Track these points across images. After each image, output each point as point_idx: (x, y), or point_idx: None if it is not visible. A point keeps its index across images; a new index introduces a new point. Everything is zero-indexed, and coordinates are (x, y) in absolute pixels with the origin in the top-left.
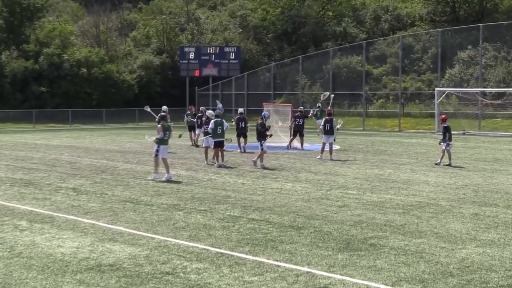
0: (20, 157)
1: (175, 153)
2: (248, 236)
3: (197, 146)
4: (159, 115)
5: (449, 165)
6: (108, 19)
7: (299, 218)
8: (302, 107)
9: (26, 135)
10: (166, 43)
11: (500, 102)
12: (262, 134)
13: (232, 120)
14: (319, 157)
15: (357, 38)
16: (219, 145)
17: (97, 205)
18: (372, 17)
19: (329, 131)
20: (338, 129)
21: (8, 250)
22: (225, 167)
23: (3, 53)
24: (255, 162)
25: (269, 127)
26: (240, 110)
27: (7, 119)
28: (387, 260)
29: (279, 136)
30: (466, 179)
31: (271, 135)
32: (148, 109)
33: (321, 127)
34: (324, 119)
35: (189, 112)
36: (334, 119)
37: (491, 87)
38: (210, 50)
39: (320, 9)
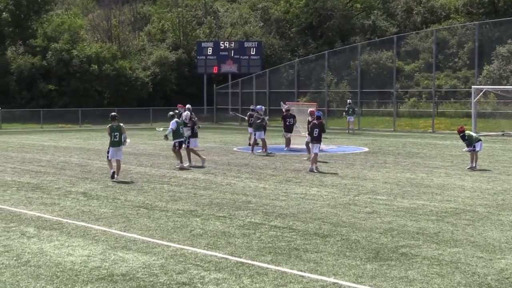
0: (27, 160)
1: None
2: (270, 245)
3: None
4: (111, 114)
5: (472, 168)
6: (121, 12)
7: (325, 225)
8: (287, 105)
9: (33, 136)
10: (182, 38)
11: None
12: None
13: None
14: (305, 158)
15: (388, 32)
16: (181, 146)
17: (109, 210)
18: (404, 9)
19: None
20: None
21: (14, 258)
22: (187, 168)
23: (9, 49)
24: (316, 167)
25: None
26: (259, 107)
27: (13, 119)
28: (420, 271)
29: (304, 138)
30: (506, 184)
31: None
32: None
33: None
34: (312, 123)
35: (177, 111)
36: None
37: None
38: (229, 45)
39: (348, 0)
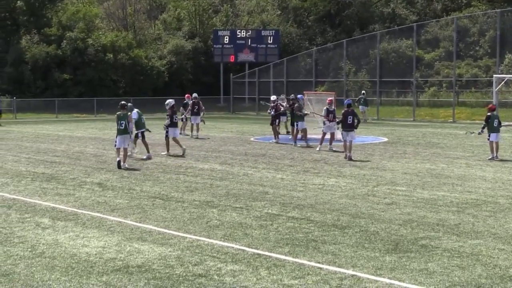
0: (41, 150)
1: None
2: (288, 236)
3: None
4: (120, 103)
5: (493, 158)
6: (136, 0)
7: (343, 216)
8: (293, 95)
9: (48, 126)
10: (199, 26)
11: None
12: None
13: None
14: (318, 149)
15: (407, 20)
16: (143, 136)
17: (125, 201)
18: None
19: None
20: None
21: (29, 249)
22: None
23: (24, 38)
24: (349, 156)
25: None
26: (300, 96)
27: (28, 108)
28: (440, 263)
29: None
30: None
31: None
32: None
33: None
34: (344, 111)
35: (186, 101)
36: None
37: None
38: (246, 33)
39: None
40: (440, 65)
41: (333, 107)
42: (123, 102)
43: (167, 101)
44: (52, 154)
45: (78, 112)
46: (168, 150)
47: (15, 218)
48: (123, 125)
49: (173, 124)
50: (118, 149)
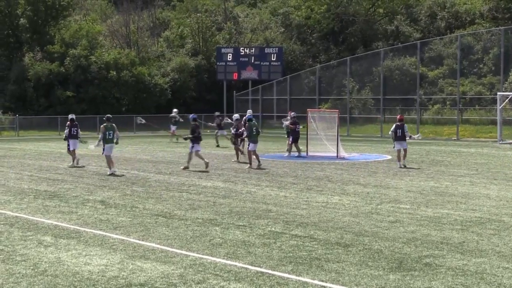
0: (44, 167)
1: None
2: (291, 254)
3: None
4: (106, 116)
5: None
6: (139, 17)
7: (347, 234)
8: (294, 112)
9: (50, 143)
10: (202, 44)
11: None
12: None
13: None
14: (398, 165)
15: (411, 38)
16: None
17: (127, 219)
18: (427, 14)
19: (400, 137)
20: (415, 138)
21: (31, 267)
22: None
23: (26, 55)
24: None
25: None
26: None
27: (31, 126)
28: (444, 281)
29: (325, 145)
30: None
31: None
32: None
33: (390, 133)
34: (394, 124)
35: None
36: (405, 125)
37: None
38: (249, 51)
39: (370, 6)
40: (444, 83)
41: (402, 123)
42: (108, 115)
43: (70, 115)
44: (54, 172)
45: (81, 129)
46: (73, 161)
47: (17, 236)
48: (111, 134)
49: (71, 136)
50: (107, 156)
